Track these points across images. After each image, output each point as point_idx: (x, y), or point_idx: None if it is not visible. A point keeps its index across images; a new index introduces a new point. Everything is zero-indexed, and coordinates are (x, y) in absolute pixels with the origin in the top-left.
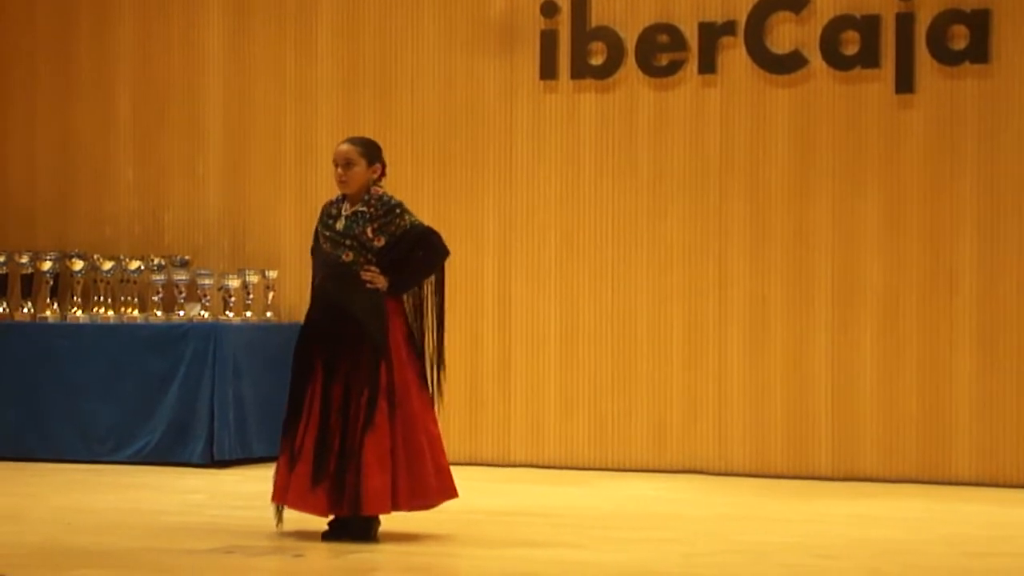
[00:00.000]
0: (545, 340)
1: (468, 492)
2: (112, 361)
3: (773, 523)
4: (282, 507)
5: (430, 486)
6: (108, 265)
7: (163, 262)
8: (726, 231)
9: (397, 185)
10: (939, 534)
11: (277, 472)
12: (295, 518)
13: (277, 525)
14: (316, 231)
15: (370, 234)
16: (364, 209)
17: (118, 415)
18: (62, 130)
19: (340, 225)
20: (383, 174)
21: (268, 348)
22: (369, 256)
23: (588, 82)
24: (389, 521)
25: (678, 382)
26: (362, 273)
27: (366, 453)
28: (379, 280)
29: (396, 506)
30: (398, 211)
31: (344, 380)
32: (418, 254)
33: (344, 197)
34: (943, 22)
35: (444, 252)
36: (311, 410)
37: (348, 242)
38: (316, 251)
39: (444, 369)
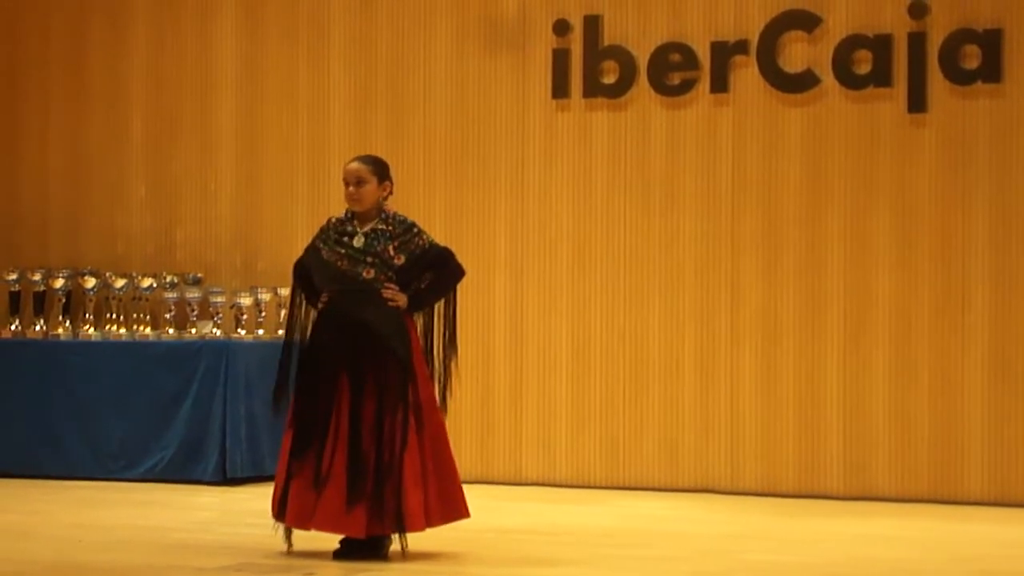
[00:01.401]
0: (557, 358)
1: (479, 510)
2: (124, 379)
3: (784, 543)
4: (291, 531)
5: (459, 499)
6: (120, 283)
7: (175, 280)
8: (738, 249)
9: (409, 202)
10: (951, 554)
11: (288, 496)
12: (306, 536)
13: (288, 549)
14: (313, 247)
15: (391, 252)
16: (384, 227)
17: (130, 432)
18: (75, 147)
19: (359, 242)
20: (391, 192)
21: None
22: (389, 274)
23: (600, 101)
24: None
25: (690, 401)
26: (383, 291)
27: (404, 471)
28: (400, 298)
29: (429, 522)
30: (415, 230)
31: (376, 398)
32: (436, 273)
33: (352, 215)
34: (955, 41)
35: (461, 272)
36: (338, 431)
37: (369, 259)
38: (316, 267)
39: (451, 388)
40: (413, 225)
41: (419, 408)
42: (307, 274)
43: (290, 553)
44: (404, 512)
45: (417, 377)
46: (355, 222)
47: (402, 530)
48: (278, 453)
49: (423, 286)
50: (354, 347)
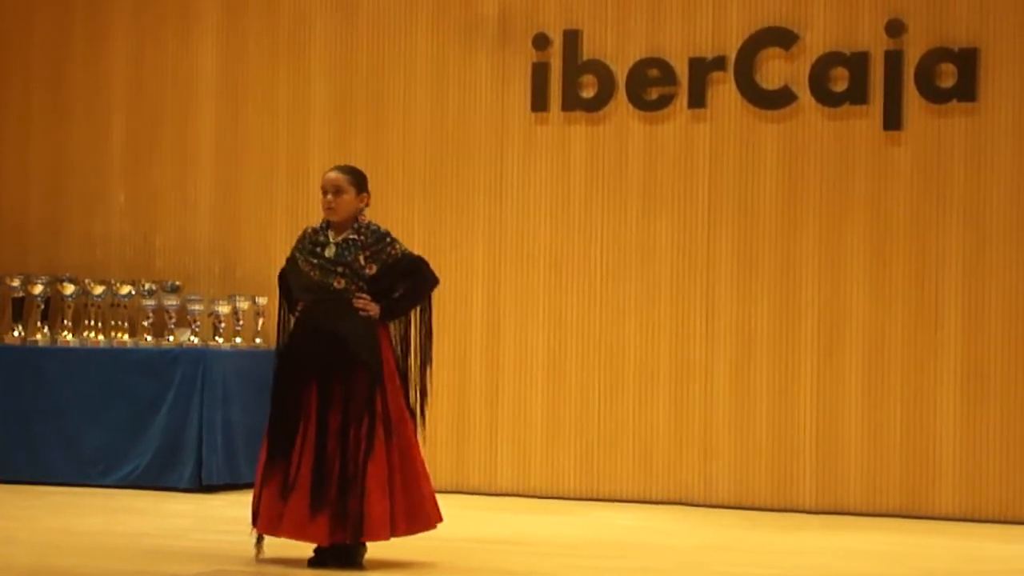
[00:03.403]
0: (533, 369)
1: (454, 520)
2: (101, 385)
3: (756, 555)
4: (262, 537)
5: (426, 510)
6: (99, 290)
7: (154, 287)
8: (714, 264)
9: (388, 214)
10: (922, 568)
11: (261, 501)
12: (280, 544)
13: (258, 556)
14: (292, 257)
15: (362, 262)
16: (355, 237)
17: (107, 439)
18: (55, 153)
19: (330, 252)
20: (368, 203)
21: (257, 374)
22: (361, 284)
23: (579, 114)
24: (374, 548)
25: (664, 413)
26: (354, 300)
27: (368, 480)
28: (372, 307)
29: (395, 532)
30: (388, 240)
31: (341, 407)
32: (409, 282)
33: (328, 225)
34: (931, 60)
35: (434, 281)
36: (305, 438)
37: (340, 269)
38: (294, 277)
39: (427, 397)
40: (386, 235)
41: (388, 418)
42: (288, 283)
43: (264, 560)
44: (365, 521)
45: (387, 387)
46: (330, 232)
47: (361, 539)
48: (255, 460)
49: (396, 295)
50: (325, 357)
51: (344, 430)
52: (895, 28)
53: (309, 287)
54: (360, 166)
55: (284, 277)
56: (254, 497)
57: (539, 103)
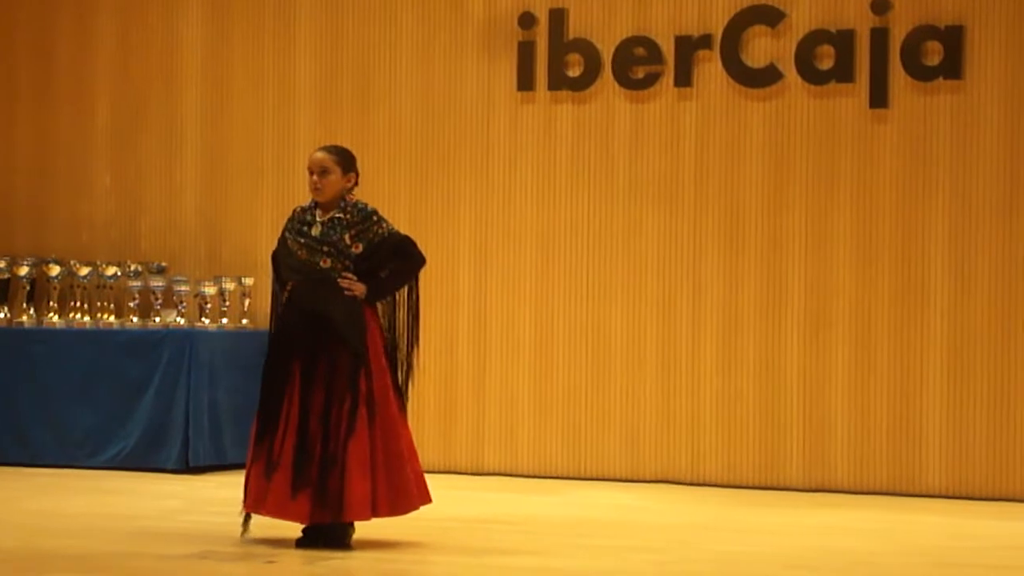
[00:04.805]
0: (520, 349)
1: (442, 500)
2: (88, 367)
3: (744, 533)
4: (249, 516)
5: (410, 492)
6: (85, 271)
7: (140, 268)
8: (700, 242)
9: (374, 194)
10: (908, 545)
11: (249, 481)
12: (268, 524)
13: (243, 534)
14: (282, 237)
15: (348, 241)
16: (341, 216)
17: (94, 420)
18: (40, 136)
19: (316, 232)
20: (356, 183)
21: (244, 355)
22: (347, 263)
23: (565, 93)
24: (363, 528)
25: (652, 392)
26: (340, 280)
27: (349, 460)
28: (357, 287)
29: (376, 512)
30: (375, 218)
31: (324, 387)
32: (396, 262)
33: (316, 204)
34: (917, 38)
35: (421, 260)
36: (288, 418)
37: (326, 248)
38: (283, 256)
39: (413, 376)
40: (373, 213)
41: (372, 399)
42: (279, 264)
43: (252, 540)
44: (345, 501)
45: (372, 368)
46: (317, 211)
47: (341, 519)
48: (242, 441)
49: (383, 275)
50: (309, 336)
51: (327, 410)
52: (881, 6)
53: (296, 267)
54: (347, 146)
55: (275, 258)
56: (245, 476)
57: (525, 82)
